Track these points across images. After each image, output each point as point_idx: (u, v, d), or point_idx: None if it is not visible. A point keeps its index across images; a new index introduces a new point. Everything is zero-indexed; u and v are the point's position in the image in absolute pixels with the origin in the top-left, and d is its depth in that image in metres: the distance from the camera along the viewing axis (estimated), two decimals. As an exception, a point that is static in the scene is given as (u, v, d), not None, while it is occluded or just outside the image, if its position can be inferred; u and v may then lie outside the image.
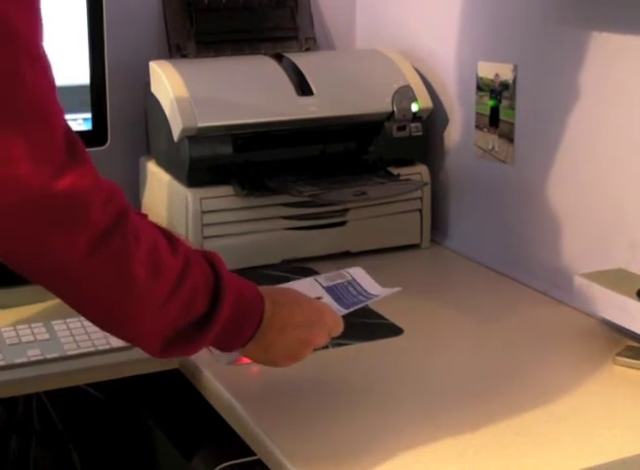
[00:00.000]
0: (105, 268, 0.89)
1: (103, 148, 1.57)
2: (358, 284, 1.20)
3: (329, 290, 1.18)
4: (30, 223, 0.84)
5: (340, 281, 1.20)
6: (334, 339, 1.13)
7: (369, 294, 1.19)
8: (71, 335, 1.33)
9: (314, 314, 1.09)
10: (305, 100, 1.64)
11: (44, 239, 0.85)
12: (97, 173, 0.88)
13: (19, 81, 0.81)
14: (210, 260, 1.00)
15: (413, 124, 1.71)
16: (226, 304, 0.98)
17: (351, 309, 1.15)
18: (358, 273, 1.22)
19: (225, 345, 1.05)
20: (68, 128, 0.88)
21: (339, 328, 1.11)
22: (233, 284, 1.01)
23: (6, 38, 0.80)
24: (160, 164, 1.72)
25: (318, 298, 1.15)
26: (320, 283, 1.19)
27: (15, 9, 0.81)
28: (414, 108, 1.70)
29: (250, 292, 1.04)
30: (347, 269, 1.22)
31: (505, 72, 1.56)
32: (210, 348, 1.06)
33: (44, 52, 0.85)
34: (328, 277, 1.20)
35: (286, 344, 1.06)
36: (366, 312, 1.42)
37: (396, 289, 1.20)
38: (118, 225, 0.89)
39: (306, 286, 1.17)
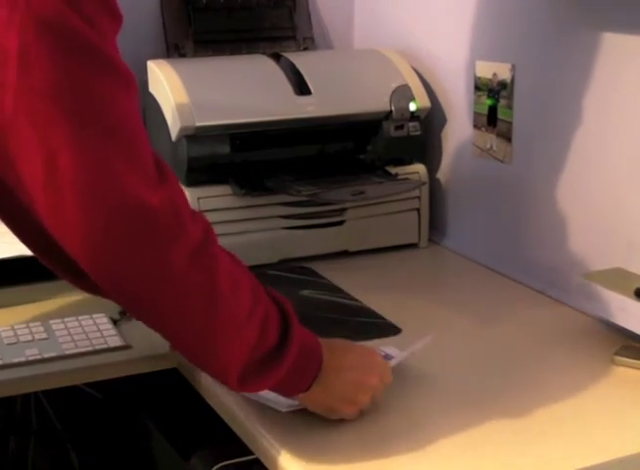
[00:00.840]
0: (197, 281, 0.92)
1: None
2: (392, 355, 1.21)
3: None
4: (135, 234, 0.88)
5: None
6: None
7: (405, 351, 1.21)
8: (69, 334, 1.33)
9: (365, 357, 1.12)
10: (303, 99, 1.64)
11: (146, 249, 0.89)
12: (183, 191, 0.95)
13: (119, 106, 0.90)
14: (272, 295, 1.03)
15: (411, 124, 1.71)
16: (295, 340, 1.01)
17: (393, 363, 1.16)
18: (393, 351, 1.24)
19: (290, 387, 1.05)
20: (153, 149, 0.94)
21: (389, 374, 1.13)
22: (297, 322, 1.03)
23: (111, 71, 0.90)
24: (158, 163, 1.72)
25: None
26: None
27: (113, 48, 0.92)
28: (412, 107, 1.70)
29: (309, 333, 1.06)
30: (382, 348, 1.24)
31: (503, 72, 1.56)
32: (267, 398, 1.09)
33: (134, 79, 0.92)
34: None
35: (343, 386, 1.07)
36: (364, 312, 1.42)
37: (428, 338, 1.21)
38: (208, 239, 0.94)
39: None
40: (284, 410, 1.09)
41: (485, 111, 1.61)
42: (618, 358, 1.25)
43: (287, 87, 1.64)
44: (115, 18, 0.93)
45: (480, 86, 1.62)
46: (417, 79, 1.73)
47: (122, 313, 1.38)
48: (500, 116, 1.58)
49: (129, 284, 0.90)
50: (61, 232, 0.89)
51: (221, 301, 0.94)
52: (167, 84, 1.58)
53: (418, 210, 1.73)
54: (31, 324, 1.36)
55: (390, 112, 1.69)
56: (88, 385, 1.47)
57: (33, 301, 1.44)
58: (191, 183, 1.58)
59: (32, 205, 0.90)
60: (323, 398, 1.07)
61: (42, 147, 0.86)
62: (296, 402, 1.09)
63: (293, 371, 1.02)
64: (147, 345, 1.30)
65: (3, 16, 0.86)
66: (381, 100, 1.69)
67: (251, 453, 1.11)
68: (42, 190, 0.87)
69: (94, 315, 1.38)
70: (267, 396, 1.10)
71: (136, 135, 0.92)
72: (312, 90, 1.65)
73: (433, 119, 1.76)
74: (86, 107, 0.87)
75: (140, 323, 0.98)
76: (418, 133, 1.72)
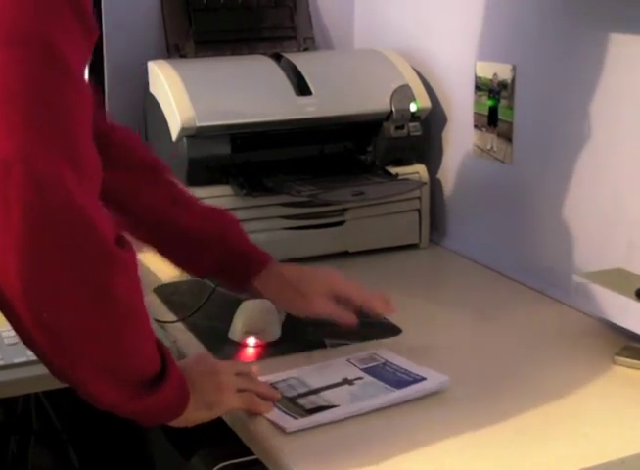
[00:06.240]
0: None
1: (101, 148, 1.57)
2: (392, 363, 1.22)
3: (367, 371, 1.20)
4: (80, 253, 0.88)
5: (374, 364, 1.22)
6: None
7: (410, 372, 1.19)
8: (70, 335, 1.32)
9: (206, 360, 1.14)
10: (304, 100, 1.64)
11: (87, 269, 0.89)
12: None
13: (76, 117, 0.89)
14: None
15: (411, 124, 1.71)
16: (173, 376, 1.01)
17: (404, 389, 1.15)
18: (389, 355, 1.24)
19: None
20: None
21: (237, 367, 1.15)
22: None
23: (74, 84, 0.89)
24: (158, 163, 1.72)
25: (359, 378, 1.18)
26: (355, 365, 1.22)
27: (80, 61, 0.91)
28: (412, 107, 1.70)
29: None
30: (378, 353, 1.25)
31: (503, 72, 1.56)
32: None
33: (91, 96, 0.92)
34: (362, 360, 1.23)
35: (202, 388, 1.06)
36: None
37: (444, 378, 1.18)
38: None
39: (341, 367, 1.21)
40: (288, 430, 1.07)
41: (486, 111, 1.61)
42: (619, 359, 1.25)
43: (287, 88, 1.64)
44: (89, 31, 0.92)
45: (480, 86, 1.62)
46: (417, 80, 1.73)
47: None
48: (501, 116, 1.58)
49: (61, 298, 0.89)
50: None
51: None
52: (168, 85, 1.59)
53: (418, 210, 1.73)
54: (32, 324, 1.35)
55: (391, 112, 1.69)
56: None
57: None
58: (192, 183, 1.58)
59: None
60: (197, 410, 1.06)
61: None
62: (301, 423, 1.08)
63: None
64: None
65: None
66: (381, 100, 1.69)
67: (252, 454, 1.11)
68: None
69: (95, 316, 1.37)
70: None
71: (89, 151, 0.90)
72: (313, 90, 1.65)
73: (433, 120, 1.76)
74: (44, 117, 0.85)
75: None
76: (418, 134, 1.72)
